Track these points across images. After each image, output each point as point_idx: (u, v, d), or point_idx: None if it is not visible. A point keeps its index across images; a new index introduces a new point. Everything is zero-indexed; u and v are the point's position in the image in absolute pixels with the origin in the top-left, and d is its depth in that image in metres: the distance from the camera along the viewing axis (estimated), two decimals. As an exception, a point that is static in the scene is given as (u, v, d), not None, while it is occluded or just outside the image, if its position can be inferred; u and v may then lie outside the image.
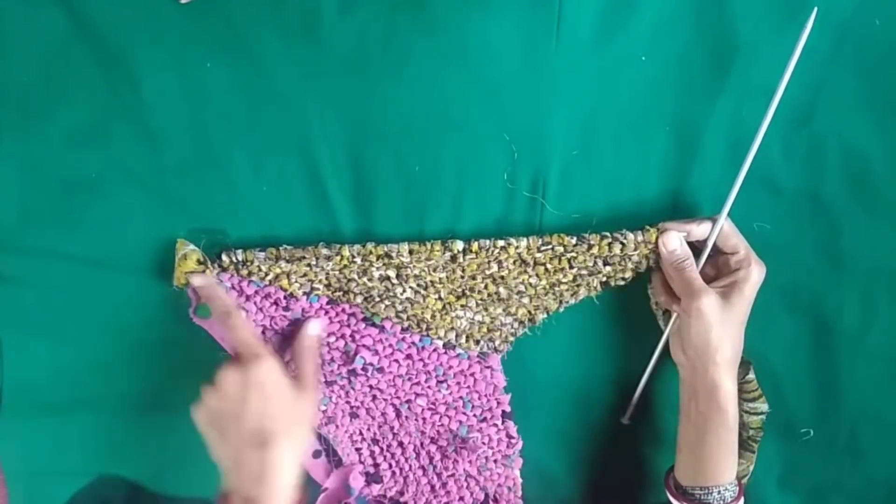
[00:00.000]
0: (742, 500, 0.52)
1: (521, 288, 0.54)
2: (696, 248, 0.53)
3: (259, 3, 0.51)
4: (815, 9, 0.47)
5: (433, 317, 0.56)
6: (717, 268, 0.53)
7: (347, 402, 0.58)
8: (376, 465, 0.61)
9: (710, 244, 0.52)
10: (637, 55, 0.53)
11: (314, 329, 0.54)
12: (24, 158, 0.53)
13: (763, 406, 0.56)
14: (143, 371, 0.58)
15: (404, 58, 0.52)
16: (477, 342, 0.57)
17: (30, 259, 0.55)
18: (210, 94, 0.53)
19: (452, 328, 0.56)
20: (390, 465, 0.61)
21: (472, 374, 0.58)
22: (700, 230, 0.52)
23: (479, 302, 0.55)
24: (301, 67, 0.52)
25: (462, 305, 0.55)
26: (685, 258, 0.52)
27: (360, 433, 0.60)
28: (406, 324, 0.56)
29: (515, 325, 0.57)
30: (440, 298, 0.55)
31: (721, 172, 0.55)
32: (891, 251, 0.56)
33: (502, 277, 0.54)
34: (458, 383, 0.58)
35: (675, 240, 0.52)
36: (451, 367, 0.57)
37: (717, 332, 0.50)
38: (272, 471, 0.45)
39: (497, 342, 0.57)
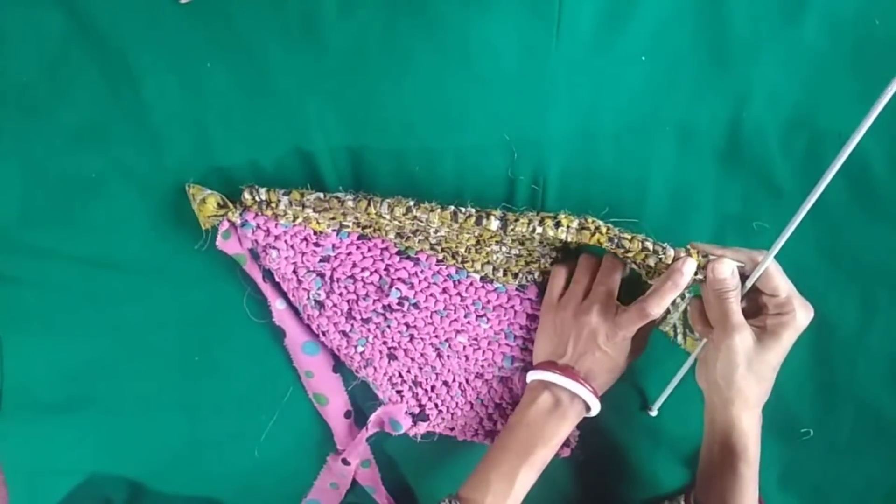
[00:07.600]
0: None
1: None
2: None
3: (259, 4, 0.51)
4: None
5: (468, 251, 0.54)
6: (758, 306, 0.50)
7: (384, 343, 0.56)
8: (421, 406, 0.58)
9: (751, 281, 0.48)
10: (637, 55, 0.53)
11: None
12: (24, 158, 0.53)
13: None
14: (143, 371, 0.58)
15: (404, 58, 0.52)
16: (515, 275, 0.55)
17: (30, 259, 0.55)
18: (210, 94, 0.53)
19: (488, 262, 0.55)
20: (436, 405, 0.58)
21: (513, 307, 0.56)
22: (749, 266, 0.48)
23: (514, 239, 0.54)
24: (301, 68, 0.52)
25: (497, 241, 0.54)
26: (732, 289, 0.48)
27: (400, 375, 0.58)
28: (441, 255, 0.55)
29: (553, 254, 0.55)
30: (473, 235, 0.53)
31: (721, 172, 0.55)
32: (891, 251, 0.55)
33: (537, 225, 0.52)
34: (499, 317, 0.56)
35: (727, 268, 0.48)
36: (489, 301, 0.56)
37: (742, 373, 0.48)
38: None
39: (536, 274, 0.56)
